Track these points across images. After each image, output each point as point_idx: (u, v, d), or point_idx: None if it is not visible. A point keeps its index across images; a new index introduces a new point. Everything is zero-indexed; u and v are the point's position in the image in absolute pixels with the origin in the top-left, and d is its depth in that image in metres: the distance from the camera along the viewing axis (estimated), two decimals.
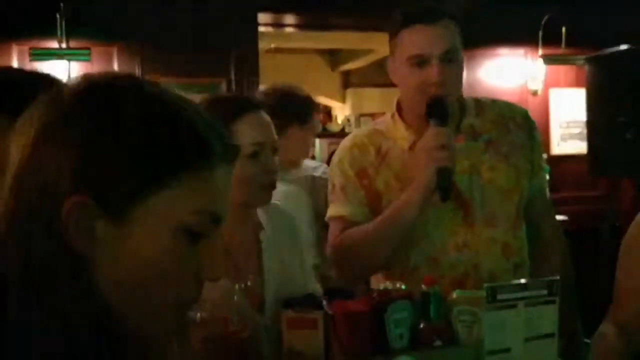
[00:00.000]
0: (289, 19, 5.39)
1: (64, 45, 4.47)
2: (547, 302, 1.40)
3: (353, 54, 8.66)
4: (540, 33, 5.26)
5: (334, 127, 8.81)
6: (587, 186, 5.21)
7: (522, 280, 1.44)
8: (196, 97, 0.87)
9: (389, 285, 1.62)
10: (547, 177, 4.94)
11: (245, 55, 4.88)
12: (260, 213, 1.75)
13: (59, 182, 0.74)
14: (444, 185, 1.70)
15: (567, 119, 5.42)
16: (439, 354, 1.52)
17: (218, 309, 1.39)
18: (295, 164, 2.75)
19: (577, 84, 5.16)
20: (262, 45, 5.54)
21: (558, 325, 1.44)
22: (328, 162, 3.89)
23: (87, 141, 0.75)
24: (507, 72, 5.32)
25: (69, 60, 4.45)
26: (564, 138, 5.44)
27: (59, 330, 0.74)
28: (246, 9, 4.85)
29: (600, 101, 3.96)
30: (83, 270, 0.76)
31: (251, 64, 4.93)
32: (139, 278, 0.77)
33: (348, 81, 9.82)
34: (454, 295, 1.60)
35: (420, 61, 1.75)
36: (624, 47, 3.85)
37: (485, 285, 1.37)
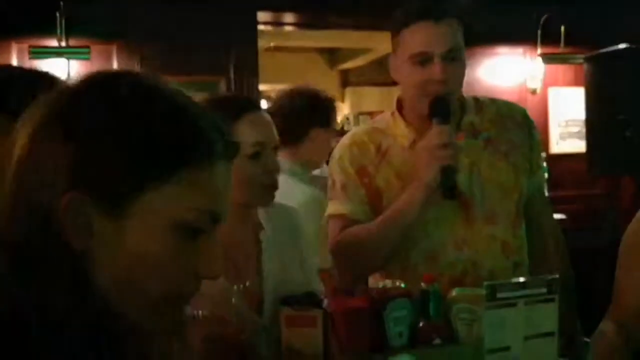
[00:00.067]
0: (288, 17, 5.39)
1: (63, 44, 4.47)
2: (546, 301, 1.40)
3: (352, 53, 8.67)
4: (539, 32, 5.26)
5: None
6: (586, 185, 5.21)
7: (522, 279, 1.44)
8: (195, 96, 0.87)
9: (388, 283, 1.62)
10: (546, 175, 4.97)
11: (245, 53, 4.88)
12: (261, 212, 1.74)
13: (56, 179, 0.74)
14: (448, 183, 1.70)
15: (566, 118, 5.43)
16: (439, 352, 1.52)
17: (217, 308, 1.39)
18: (317, 164, 2.77)
19: (576, 83, 5.17)
20: (261, 43, 5.54)
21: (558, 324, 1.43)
22: (327, 161, 3.90)
23: (85, 137, 0.75)
24: (506, 70, 5.33)
25: (68, 58, 4.45)
26: (562, 137, 5.45)
27: (57, 327, 0.73)
28: (245, 7, 4.85)
29: (599, 100, 3.96)
30: (81, 266, 0.76)
31: (250, 62, 4.93)
32: (136, 274, 0.77)
33: (347, 80, 9.83)
34: (454, 293, 1.60)
35: (423, 59, 1.74)
36: (622, 46, 3.85)
37: (485, 283, 1.36)
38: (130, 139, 0.76)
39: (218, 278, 0.84)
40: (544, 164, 4.55)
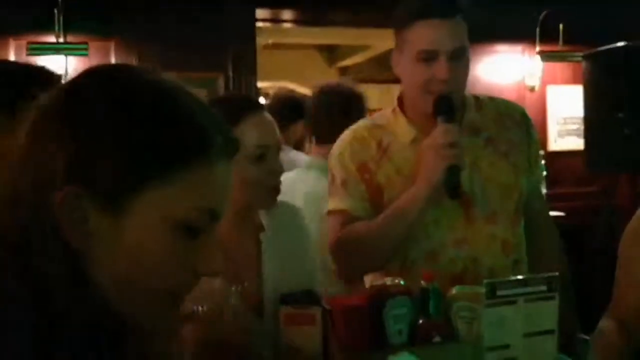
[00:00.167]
0: (287, 14, 5.38)
1: (61, 40, 4.46)
2: (546, 298, 1.39)
3: (351, 50, 8.66)
4: (538, 30, 5.26)
5: None
6: (584, 182, 5.22)
7: (522, 276, 1.44)
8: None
9: (387, 280, 1.61)
10: (545, 173, 4.97)
11: (243, 50, 4.87)
12: (262, 212, 1.73)
13: (54, 174, 0.74)
14: (452, 183, 1.69)
15: (564, 115, 5.43)
16: (438, 350, 1.51)
17: (216, 306, 1.38)
18: None
19: (574, 81, 5.17)
20: (260, 40, 5.53)
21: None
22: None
23: (84, 133, 0.75)
24: (505, 68, 5.33)
25: (66, 55, 4.45)
26: (561, 134, 5.45)
27: (56, 324, 0.73)
28: (244, 4, 4.84)
29: (597, 98, 3.96)
30: (78, 263, 0.76)
31: (249, 59, 4.92)
32: (134, 272, 0.77)
33: (345, 77, 9.81)
34: (454, 291, 1.59)
35: (428, 57, 1.72)
36: (621, 44, 3.85)
37: (485, 281, 1.36)
38: (129, 135, 0.75)
39: (217, 275, 0.83)
40: (542, 162, 4.56)
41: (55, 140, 0.75)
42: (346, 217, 1.83)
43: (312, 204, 2.22)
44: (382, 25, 5.47)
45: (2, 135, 0.81)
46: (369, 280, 1.85)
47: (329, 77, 9.69)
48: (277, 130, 1.69)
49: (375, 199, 1.83)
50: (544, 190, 4.47)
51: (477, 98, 1.93)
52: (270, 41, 7.47)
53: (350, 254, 1.83)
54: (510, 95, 4.84)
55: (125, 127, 0.75)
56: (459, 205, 1.79)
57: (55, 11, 4.39)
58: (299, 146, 3.59)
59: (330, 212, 1.89)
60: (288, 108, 3.53)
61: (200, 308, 1.35)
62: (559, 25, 5.22)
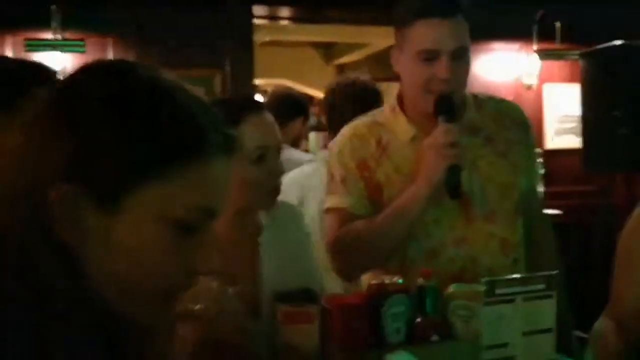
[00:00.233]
0: (284, 11, 5.38)
1: (58, 37, 4.45)
2: (545, 297, 1.40)
3: (348, 48, 8.64)
4: (535, 28, 5.26)
5: None
6: (581, 181, 5.22)
7: (519, 275, 1.44)
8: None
9: (385, 279, 1.61)
10: (542, 171, 4.98)
11: (240, 48, 4.87)
12: (262, 212, 1.72)
13: (50, 172, 0.74)
14: (453, 182, 1.69)
15: (561, 114, 5.43)
16: (436, 348, 1.52)
17: (213, 306, 1.37)
18: None
19: (572, 79, 5.17)
20: (257, 37, 5.53)
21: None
22: None
23: (80, 130, 0.74)
24: (502, 66, 5.32)
25: (63, 51, 4.43)
26: (558, 133, 5.45)
27: (53, 321, 0.73)
28: (241, 1, 4.83)
29: (594, 96, 3.96)
30: (74, 260, 0.75)
31: (246, 56, 4.92)
32: (130, 269, 0.77)
33: (343, 75, 9.80)
34: (451, 289, 1.59)
35: (430, 56, 1.72)
36: (618, 42, 3.85)
37: (484, 279, 1.36)
38: (126, 133, 0.74)
39: (213, 274, 0.83)
40: (539, 161, 4.57)
41: (51, 138, 0.74)
42: (345, 215, 1.83)
43: None
44: (380, 23, 5.47)
45: (1, 134, 0.80)
46: (366, 278, 1.84)
47: (326, 74, 9.68)
48: (278, 131, 1.68)
49: (374, 197, 1.82)
50: (540, 189, 4.49)
51: (476, 97, 1.92)
52: (267, 38, 7.46)
53: (350, 252, 1.82)
54: (507, 94, 4.84)
55: (123, 125, 0.75)
56: (459, 205, 1.78)
57: (53, 7, 4.37)
58: (296, 144, 3.59)
59: (328, 210, 1.88)
60: (285, 106, 3.53)
61: (197, 307, 1.34)
62: (556, 24, 5.22)
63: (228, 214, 1.59)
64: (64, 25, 4.45)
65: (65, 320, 0.73)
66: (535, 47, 5.30)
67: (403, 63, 1.80)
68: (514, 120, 1.92)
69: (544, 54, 5.28)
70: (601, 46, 3.94)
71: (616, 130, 3.69)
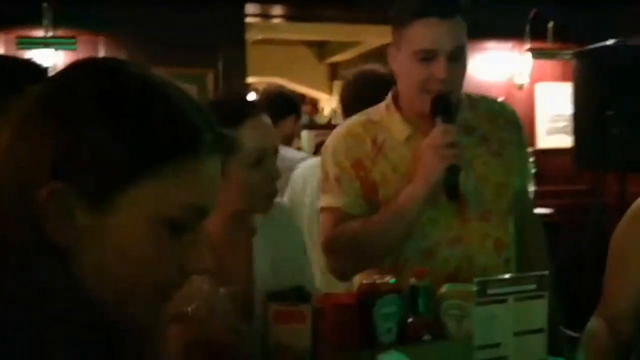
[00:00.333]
0: (277, 10, 5.37)
1: (50, 34, 4.43)
2: (536, 297, 1.40)
3: (341, 46, 8.65)
4: (528, 27, 5.27)
5: (321, 119, 8.80)
6: (572, 180, 5.24)
7: (511, 275, 1.44)
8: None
9: (377, 279, 1.61)
10: (534, 170, 4.99)
11: (233, 46, 4.86)
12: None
13: (39, 170, 0.73)
14: (452, 183, 1.69)
15: (553, 113, 5.45)
16: (428, 348, 1.52)
17: (206, 307, 1.37)
18: None
19: (564, 79, 5.19)
20: (250, 36, 5.52)
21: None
22: (314, 154, 3.88)
23: (70, 128, 0.74)
24: (494, 65, 5.34)
25: (55, 49, 4.42)
26: (549, 132, 5.47)
27: (54, 324, 0.72)
28: None
29: (586, 95, 3.96)
30: (63, 259, 0.75)
31: (238, 55, 4.91)
32: (120, 269, 0.76)
33: (335, 73, 9.81)
34: (443, 289, 1.59)
35: (427, 56, 1.71)
36: (611, 42, 3.86)
37: (476, 279, 1.36)
38: (116, 132, 0.74)
39: (205, 273, 0.82)
40: (531, 160, 4.57)
41: (42, 136, 0.74)
42: (340, 215, 1.82)
43: None
44: (373, 21, 5.47)
45: None
46: (358, 278, 1.84)
47: (319, 73, 9.70)
48: (276, 134, 1.67)
49: (370, 196, 1.82)
50: (531, 188, 4.49)
51: (469, 96, 1.92)
52: (260, 37, 7.45)
53: (346, 252, 1.81)
54: (499, 93, 4.85)
55: (114, 123, 0.74)
56: (454, 205, 1.78)
57: (44, 5, 4.35)
58: (288, 142, 3.58)
59: (323, 209, 1.87)
60: (278, 104, 3.52)
61: (189, 308, 1.34)
62: (548, 23, 5.23)
63: (224, 215, 1.58)
64: (56, 23, 4.43)
65: (65, 320, 0.73)
66: (527, 46, 5.32)
67: (400, 62, 1.79)
68: (508, 120, 1.92)
69: (536, 53, 5.30)
70: (593, 46, 3.95)
71: (608, 130, 3.69)
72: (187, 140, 0.77)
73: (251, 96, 7.38)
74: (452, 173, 1.68)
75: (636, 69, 3.70)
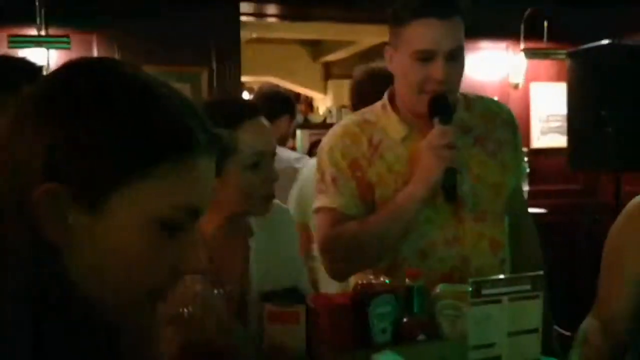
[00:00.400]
0: (271, 9, 5.37)
1: (42, 33, 4.40)
2: (531, 298, 1.40)
3: (335, 45, 8.65)
4: (522, 27, 5.28)
5: (315, 118, 8.80)
6: (566, 179, 5.25)
7: (505, 276, 1.44)
8: (183, 89, 0.84)
9: (372, 279, 1.61)
10: (527, 170, 5.00)
11: (227, 44, 4.85)
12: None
13: (32, 170, 0.73)
14: (450, 184, 1.69)
15: (547, 113, 5.46)
16: (423, 348, 1.51)
17: (200, 309, 1.36)
18: None
19: (558, 78, 5.19)
20: (244, 35, 5.51)
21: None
22: (309, 154, 3.88)
23: (63, 129, 0.73)
24: (489, 65, 5.34)
25: (47, 48, 4.39)
26: (544, 132, 5.47)
27: (53, 323, 0.73)
28: None
29: (581, 95, 3.97)
30: (52, 257, 0.75)
31: (233, 53, 4.90)
32: (113, 269, 0.76)
33: (329, 72, 9.81)
34: (438, 289, 1.59)
35: (425, 57, 1.71)
36: (605, 42, 3.87)
37: (471, 280, 1.36)
38: (109, 132, 0.74)
39: (198, 273, 0.82)
40: (525, 159, 4.58)
41: (35, 135, 0.74)
42: (336, 215, 1.81)
43: None
44: (367, 21, 5.47)
45: None
46: (353, 278, 1.83)
47: (313, 72, 9.69)
48: (273, 136, 1.66)
49: (366, 197, 1.81)
50: (525, 188, 4.50)
51: (465, 96, 1.92)
52: (254, 35, 7.44)
53: (343, 253, 1.80)
54: (493, 93, 4.85)
55: (106, 124, 0.74)
56: (450, 205, 1.78)
57: (37, 3, 4.33)
58: (283, 142, 3.58)
59: (319, 209, 1.86)
60: (272, 103, 3.51)
61: (184, 310, 1.33)
62: (543, 23, 5.24)
63: (221, 217, 1.58)
64: (49, 22, 4.40)
65: (62, 320, 0.73)
66: (522, 46, 5.32)
67: (397, 62, 1.79)
68: (504, 120, 1.93)
69: (531, 53, 5.30)
70: (588, 45, 3.96)
71: (602, 130, 3.70)
72: (181, 140, 0.77)
73: (245, 95, 7.37)
74: (450, 174, 1.68)
75: (630, 69, 3.71)
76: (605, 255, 1.64)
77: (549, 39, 5.27)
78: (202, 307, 1.35)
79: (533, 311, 1.41)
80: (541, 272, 1.44)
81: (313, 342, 1.50)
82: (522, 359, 1.40)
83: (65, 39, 4.38)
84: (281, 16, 5.69)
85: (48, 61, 4.33)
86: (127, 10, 4.50)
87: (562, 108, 4.47)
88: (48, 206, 0.73)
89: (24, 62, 1.45)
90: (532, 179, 5.13)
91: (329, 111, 8.81)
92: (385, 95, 1.90)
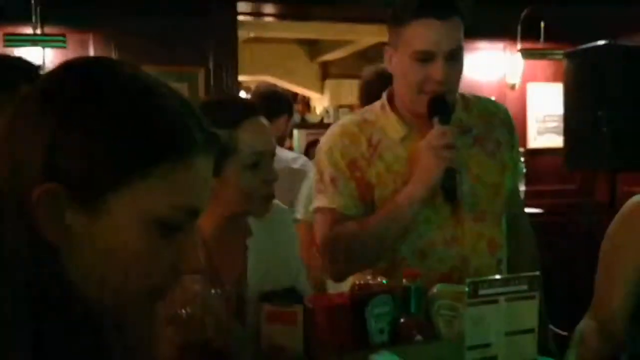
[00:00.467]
0: (268, 8, 5.36)
1: (38, 32, 4.39)
2: (527, 298, 1.40)
3: (332, 45, 8.64)
4: (519, 27, 5.28)
5: (312, 118, 8.80)
6: (563, 179, 5.26)
7: (501, 276, 1.44)
8: (180, 89, 0.84)
9: (369, 279, 1.61)
10: (524, 170, 5.00)
11: (224, 44, 4.84)
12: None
13: (30, 170, 0.73)
14: (450, 184, 1.69)
15: (544, 113, 5.46)
16: (420, 348, 1.51)
17: (199, 309, 1.36)
18: None
19: (555, 79, 5.20)
20: (241, 34, 5.50)
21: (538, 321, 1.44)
22: (305, 153, 3.88)
23: (61, 129, 0.73)
24: (486, 65, 5.34)
25: (43, 46, 4.38)
26: (540, 132, 5.48)
27: (52, 323, 0.73)
28: None
29: (577, 96, 3.98)
30: (51, 257, 0.75)
31: (230, 53, 4.89)
32: (111, 269, 0.76)
33: (327, 72, 9.81)
34: (435, 289, 1.59)
35: (425, 57, 1.71)
36: (602, 42, 3.87)
37: (468, 280, 1.36)
38: (106, 132, 0.74)
39: (196, 272, 0.82)
40: (521, 159, 4.58)
41: (33, 135, 0.74)
42: (336, 216, 1.81)
43: None
44: (365, 21, 5.47)
45: None
46: (351, 279, 1.83)
47: (311, 71, 9.68)
48: (273, 136, 1.66)
49: (365, 197, 1.81)
50: (522, 188, 4.50)
51: (463, 96, 1.92)
52: (251, 35, 7.44)
53: (343, 253, 1.79)
54: (490, 93, 4.86)
55: (105, 124, 0.74)
56: (449, 205, 1.78)
57: (33, 2, 4.32)
58: (280, 141, 3.57)
59: (318, 210, 1.85)
60: (270, 103, 3.51)
61: (183, 310, 1.33)
62: (540, 23, 5.24)
63: (220, 217, 1.58)
64: (45, 21, 4.39)
65: (61, 319, 0.74)
66: (519, 46, 5.32)
67: (397, 62, 1.79)
68: (502, 120, 1.93)
69: (527, 54, 5.30)
70: (585, 46, 3.96)
71: (599, 130, 3.70)
72: (179, 140, 0.77)
73: (242, 94, 7.37)
74: (449, 175, 1.69)
75: (627, 69, 3.72)
76: (602, 255, 1.64)
77: (546, 39, 5.27)
78: (201, 307, 1.35)
79: (530, 311, 1.41)
80: (538, 273, 1.44)
81: (311, 342, 1.50)
82: (518, 359, 1.41)
83: (61, 38, 4.37)
84: (278, 15, 5.69)
85: (44, 60, 4.32)
86: (123, 9, 4.49)
87: (558, 108, 4.48)
88: (47, 206, 0.73)
89: (21, 61, 1.44)
90: (529, 179, 5.14)
91: (326, 111, 8.82)
92: (384, 95, 1.90)
